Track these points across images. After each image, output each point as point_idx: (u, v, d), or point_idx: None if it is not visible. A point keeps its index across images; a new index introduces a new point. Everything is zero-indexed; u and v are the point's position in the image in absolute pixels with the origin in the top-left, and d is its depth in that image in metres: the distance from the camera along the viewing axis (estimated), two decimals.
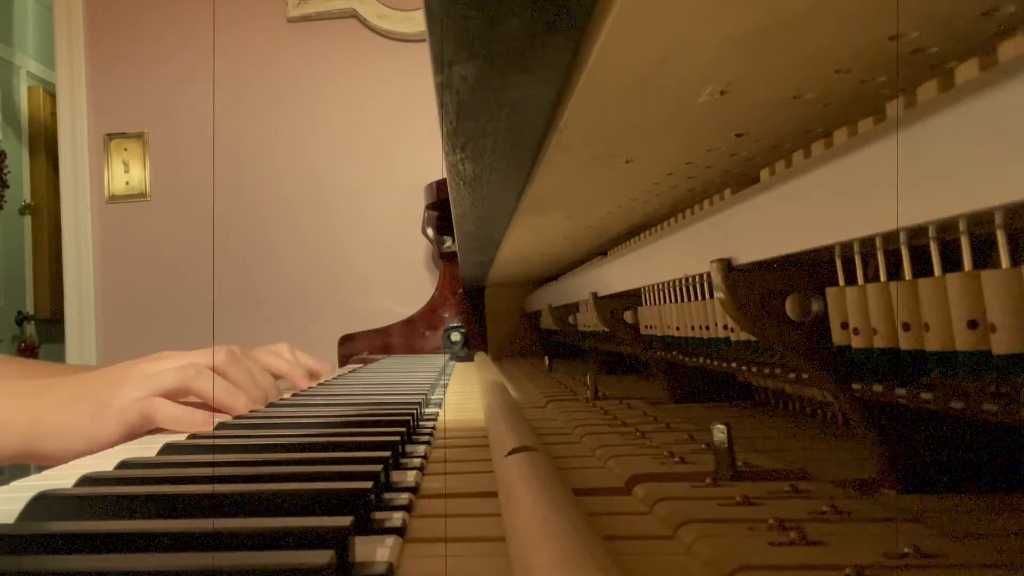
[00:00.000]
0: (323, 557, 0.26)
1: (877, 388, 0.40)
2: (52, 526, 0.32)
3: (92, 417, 0.64)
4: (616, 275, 0.88)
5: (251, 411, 0.72)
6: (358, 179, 2.53)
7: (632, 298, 0.91)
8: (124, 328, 2.53)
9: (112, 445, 0.63)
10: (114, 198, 2.58)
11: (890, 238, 0.35)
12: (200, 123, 2.57)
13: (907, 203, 0.29)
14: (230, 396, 0.71)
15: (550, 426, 0.70)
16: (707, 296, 0.63)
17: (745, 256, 0.46)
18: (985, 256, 0.33)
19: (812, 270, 0.46)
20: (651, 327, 0.82)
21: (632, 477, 0.45)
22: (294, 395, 0.89)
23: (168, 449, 0.54)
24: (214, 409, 0.70)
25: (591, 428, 0.65)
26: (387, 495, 0.40)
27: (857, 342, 0.39)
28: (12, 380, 0.74)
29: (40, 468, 0.54)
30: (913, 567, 0.28)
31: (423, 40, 0.78)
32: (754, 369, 0.58)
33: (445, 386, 1.07)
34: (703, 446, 0.54)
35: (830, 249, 0.40)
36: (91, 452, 0.60)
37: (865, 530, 0.33)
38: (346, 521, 0.29)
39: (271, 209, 2.55)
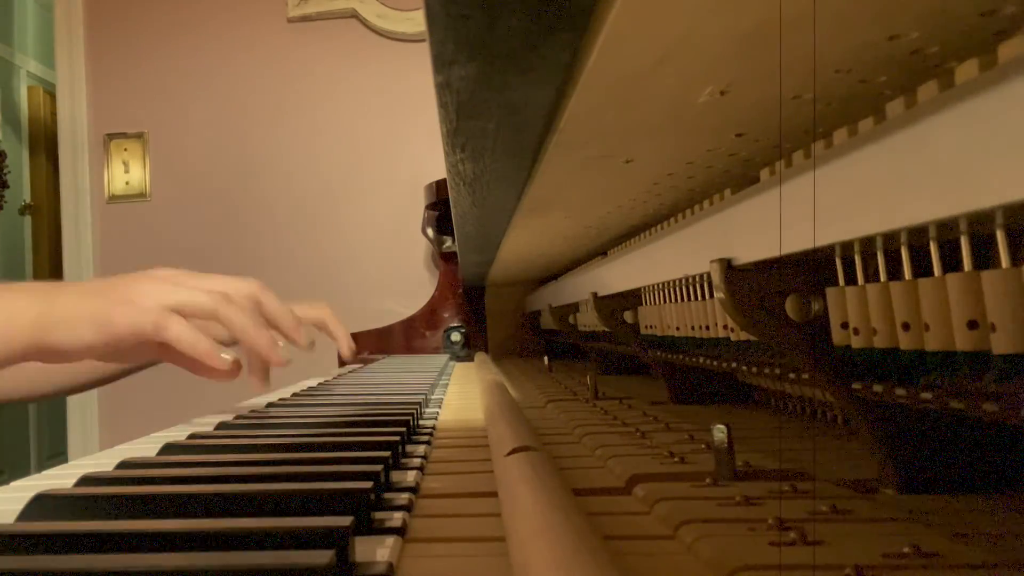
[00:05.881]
0: (323, 557, 0.26)
1: (877, 388, 0.40)
2: (52, 526, 0.32)
3: (108, 307, 0.59)
4: (616, 275, 0.88)
5: (251, 411, 0.72)
6: (358, 179, 2.53)
7: (632, 298, 0.91)
8: None
9: (120, 343, 0.58)
10: (114, 198, 2.58)
11: (890, 238, 0.35)
12: (200, 123, 2.57)
13: (907, 203, 0.29)
14: (257, 331, 0.62)
15: (550, 426, 0.70)
16: (707, 296, 0.63)
17: (745, 256, 0.46)
18: (985, 256, 0.33)
19: (812, 270, 0.46)
20: (651, 327, 0.82)
21: (632, 477, 0.45)
22: (294, 395, 0.89)
23: (168, 449, 0.54)
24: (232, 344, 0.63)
25: (591, 428, 0.65)
26: (387, 495, 0.40)
27: (857, 342, 0.39)
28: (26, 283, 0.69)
29: (40, 468, 0.53)
30: (913, 567, 0.28)
31: (423, 40, 0.78)
32: (754, 369, 0.58)
33: (445, 386, 1.07)
34: (703, 446, 0.54)
35: (830, 249, 0.40)
36: (103, 346, 0.56)
37: (865, 530, 0.33)
38: (346, 521, 0.29)
39: (270, 209, 2.55)
